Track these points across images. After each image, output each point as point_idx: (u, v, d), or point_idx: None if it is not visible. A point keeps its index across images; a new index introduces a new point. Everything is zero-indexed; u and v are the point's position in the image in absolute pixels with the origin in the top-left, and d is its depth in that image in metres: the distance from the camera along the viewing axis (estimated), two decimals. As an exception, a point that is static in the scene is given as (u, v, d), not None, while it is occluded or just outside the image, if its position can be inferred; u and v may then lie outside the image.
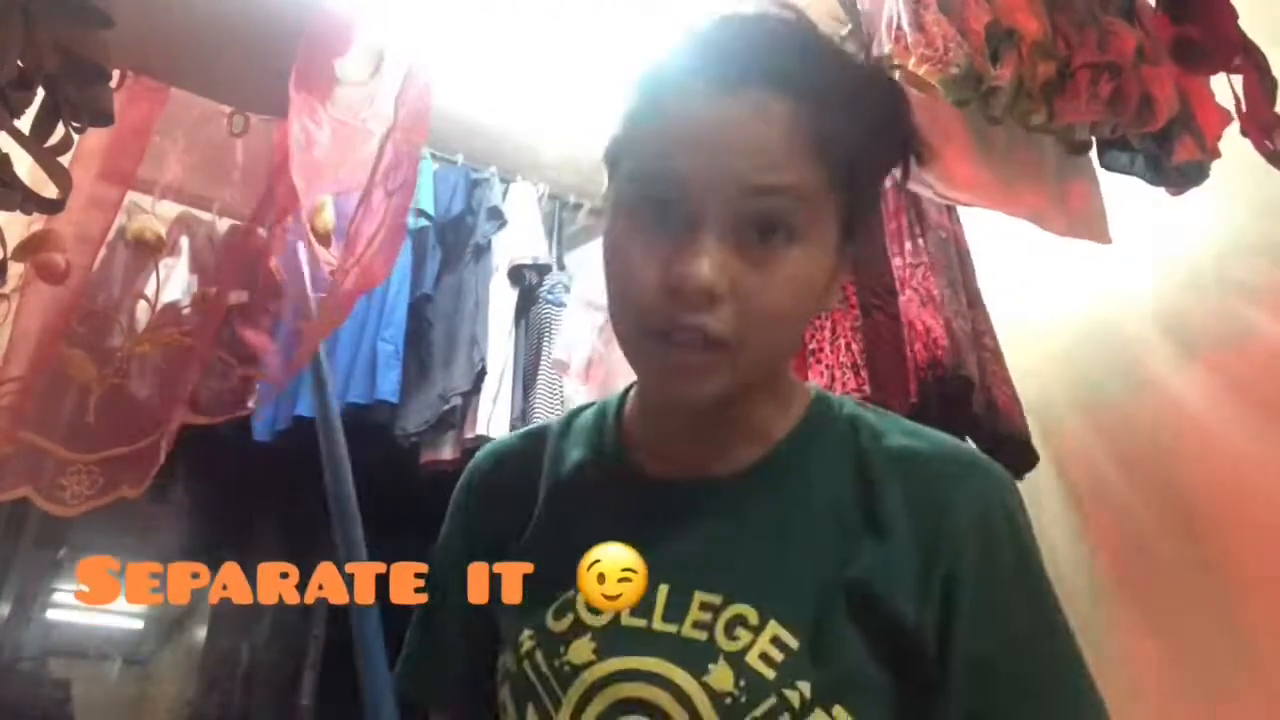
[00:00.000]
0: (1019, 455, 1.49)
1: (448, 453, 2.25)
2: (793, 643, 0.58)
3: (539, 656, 0.65)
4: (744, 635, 0.59)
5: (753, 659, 0.58)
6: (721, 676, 0.58)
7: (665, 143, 0.60)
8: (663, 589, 0.63)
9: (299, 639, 2.73)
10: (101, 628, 2.66)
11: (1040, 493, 1.67)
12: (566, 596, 0.66)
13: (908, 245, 1.45)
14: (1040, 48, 1.14)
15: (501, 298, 2.36)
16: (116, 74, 1.55)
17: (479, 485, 0.80)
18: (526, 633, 0.67)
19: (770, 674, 0.58)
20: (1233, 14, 1.23)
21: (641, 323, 0.60)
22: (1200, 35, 1.21)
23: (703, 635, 0.61)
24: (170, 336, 1.68)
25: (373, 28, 1.66)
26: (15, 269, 1.36)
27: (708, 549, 0.64)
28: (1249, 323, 1.52)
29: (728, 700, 0.58)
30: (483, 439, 2.20)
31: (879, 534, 0.61)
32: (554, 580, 0.67)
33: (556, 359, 2.18)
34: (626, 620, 0.63)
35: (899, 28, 1.17)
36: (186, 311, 1.73)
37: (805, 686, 0.57)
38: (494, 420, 2.23)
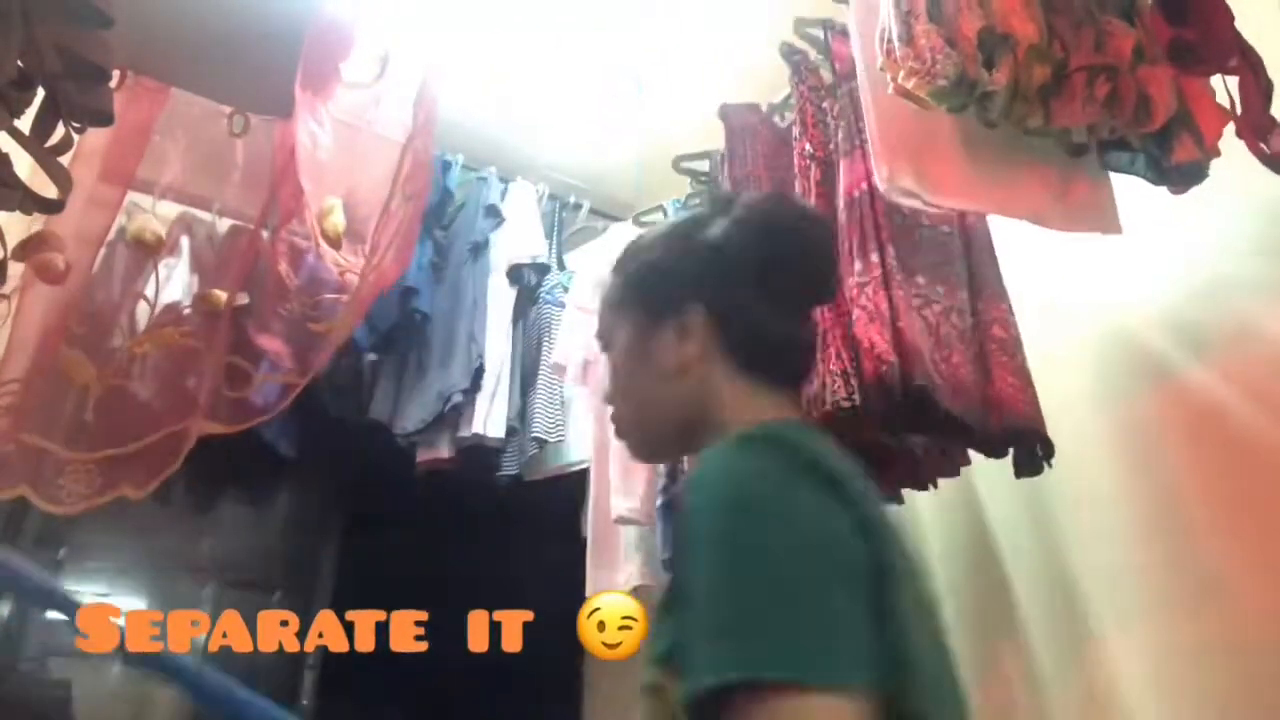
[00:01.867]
0: (1027, 446, 1.48)
1: (444, 451, 2.24)
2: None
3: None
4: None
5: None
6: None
7: None
8: None
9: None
10: (101, 628, 2.65)
11: (1047, 491, 1.66)
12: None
13: (857, 265, 1.46)
14: (1036, 51, 1.14)
15: (500, 297, 2.35)
16: (116, 74, 1.55)
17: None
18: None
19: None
20: (1229, 15, 1.23)
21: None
22: (1196, 37, 1.21)
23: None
24: (170, 336, 1.68)
25: (376, 30, 1.67)
26: (15, 269, 1.36)
27: None
28: (1257, 322, 1.52)
29: None
30: (479, 437, 2.20)
31: None
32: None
33: (554, 362, 2.18)
34: None
35: (890, 40, 1.17)
36: (187, 312, 1.73)
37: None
38: (491, 419, 2.22)
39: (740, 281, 0.87)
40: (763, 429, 0.76)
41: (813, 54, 1.75)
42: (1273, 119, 1.26)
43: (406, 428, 2.23)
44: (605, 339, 0.92)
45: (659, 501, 1.86)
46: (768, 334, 0.86)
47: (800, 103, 1.68)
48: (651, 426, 0.89)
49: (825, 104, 1.67)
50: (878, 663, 0.60)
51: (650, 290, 0.89)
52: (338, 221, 1.65)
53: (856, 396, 1.36)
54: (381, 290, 1.65)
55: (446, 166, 2.38)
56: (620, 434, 0.91)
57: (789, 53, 1.75)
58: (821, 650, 0.58)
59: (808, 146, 1.63)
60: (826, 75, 1.72)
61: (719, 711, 0.56)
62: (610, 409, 0.91)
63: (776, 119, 1.86)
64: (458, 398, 2.17)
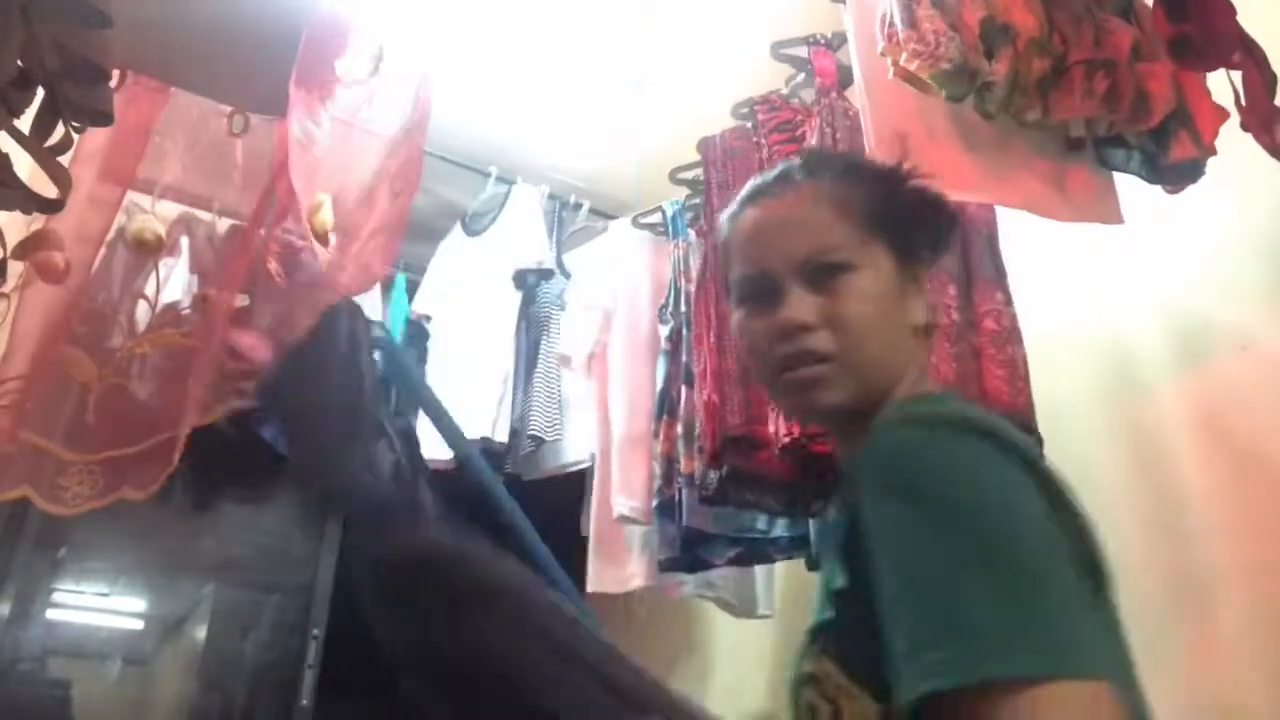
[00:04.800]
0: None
1: (447, 454, 2.25)
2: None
3: None
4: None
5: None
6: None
7: (745, 251, 0.85)
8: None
9: (299, 639, 2.73)
10: (101, 628, 2.66)
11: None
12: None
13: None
14: (1036, 44, 1.14)
15: (504, 301, 2.36)
16: (116, 74, 1.55)
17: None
18: None
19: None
20: (1231, 10, 1.23)
21: (770, 366, 0.81)
22: (1198, 33, 1.21)
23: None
24: (170, 337, 1.68)
25: (372, 28, 1.66)
26: (15, 268, 1.36)
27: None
28: (1259, 323, 1.52)
29: None
30: (488, 441, 2.20)
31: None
32: None
33: (561, 354, 2.18)
34: None
35: (892, 23, 1.17)
36: (186, 312, 1.73)
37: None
38: (498, 423, 2.23)
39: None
40: (948, 406, 0.76)
41: (783, 87, 1.79)
42: (1278, 109, 1.26)
43: (432, 455, 2.25)
44: (844, 257, 0.80)
45: (655, 502, 1.86)
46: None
47: (770, 151, 1.70)
48: (869, 377, 0.79)
49: (800, 131, 1.68)
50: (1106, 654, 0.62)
51: (907, 238, 0.84)
52: (325, 218, 1.65)
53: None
54: (360, 289, 1.64)
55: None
56: (817, 374, 0.78)
57: (745, 112, 1.79)
58: (1075, 641, 0.56)
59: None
60: (799, 101, 1.75)
61: (969, 710, 0.53)
62: (806, 337, 0.78)
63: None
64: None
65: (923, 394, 0.81)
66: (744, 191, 0.89)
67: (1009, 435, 0.67)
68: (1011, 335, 1.50)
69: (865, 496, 0.65)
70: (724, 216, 0.91)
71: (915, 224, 0.85)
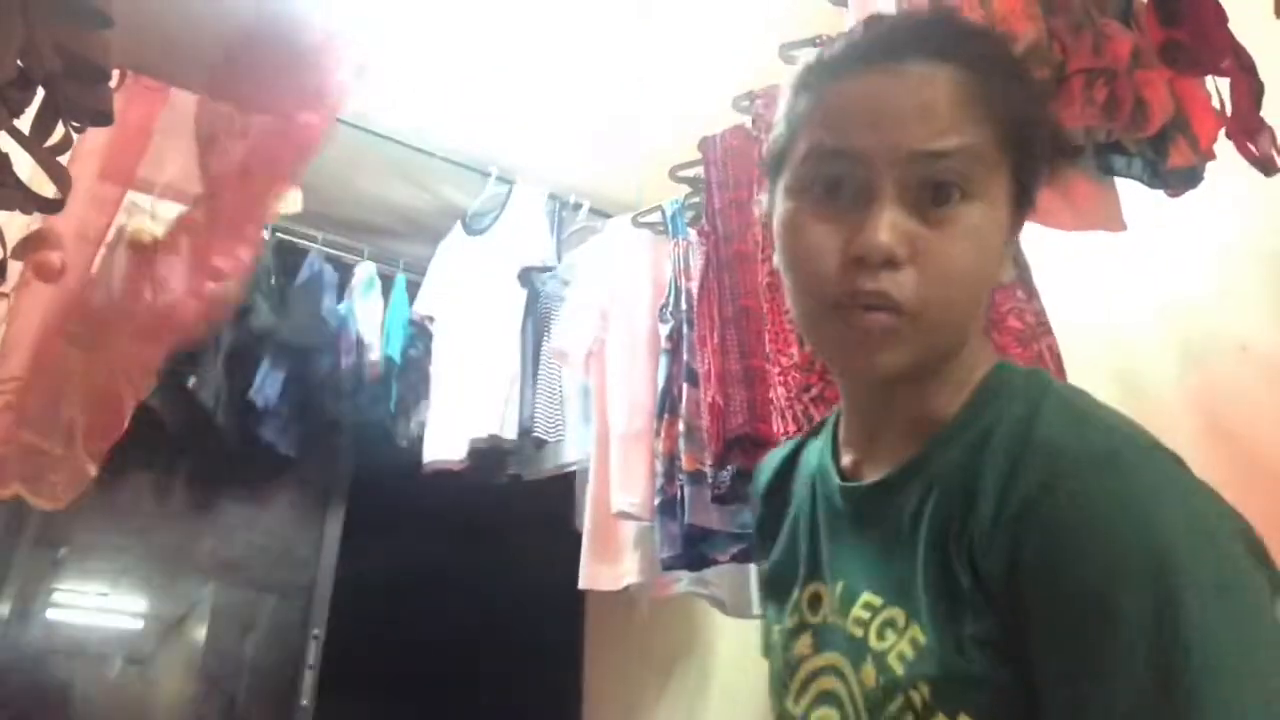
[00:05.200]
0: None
1: (455, 454, 2.26)
2: (923, 642, 0.57)
3: (781, 651, 0.72)
4: (890, 637, 0.60)
5: (892, 659, 0.59)
6: (868, 674, 0.60)
7: (834, 120, 0.62)
8: (839, 585, 0.67)
9: (299, 639, 2.73)
10: (101, 628, 2.66)
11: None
12: (792, 598, 0.72)
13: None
14: (1036, 53, 1.14)
15: (509, 301, 2.36)
16: (116, 74, 1.55)
17: (761, 483, 0.85)
18: (776, 628, 0.74)
19: (901, 672, 0.58)
20: (1222, 16, 1.23)
21: (826, 295, 0.60)
22: (1188, 38, 1.21)
23: (860, 632, 0.63)
24: (168, 338, 1.68)
25: (370, 27, 1.67)
26: (14, 267, 1.36)
27: (870, 552, 0.65)
28: (1260, 325, 1.52)
29: (872, 698, 0.60)
30: (495, 439, 2.20)
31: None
32: (788, 585, 0.73)
33: (557, 349, 2.18)
34: (829, 618, 0.67)
35: None
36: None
37: (925, 689, 0.55)
38: (506, 421, 2.23)
39: None
40: (1103, 409, 0.60)
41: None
42: (1262, 120, 1.26)
43: (439, 455, 2.26)
44: (971, 175, 0.59)
45: (657, 500, 1.86)
46: None
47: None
48: (938, 343, 0.61)
49: None
50: None
51: (1035, 167, 0.64)
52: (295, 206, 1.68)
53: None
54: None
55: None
56: (889, 327, 0.58)
57: (746, 105, 1.78)
58: None
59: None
60: None
61: None
62: (886, 276, 0.58)
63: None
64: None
65: (1015, 367, 0.65)
66: (846, 42, 0.65)
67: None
68: (1034, 331, 1.49)
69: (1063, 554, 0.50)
70: (800, 71, 0.67)
71: (1044, 135, 0.65)
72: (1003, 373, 0.64)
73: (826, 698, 0.65)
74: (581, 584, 2.04)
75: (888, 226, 0.58)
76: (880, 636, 0.61)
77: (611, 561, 2.02)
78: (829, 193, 0.61)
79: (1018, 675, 0.52)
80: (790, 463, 0.82)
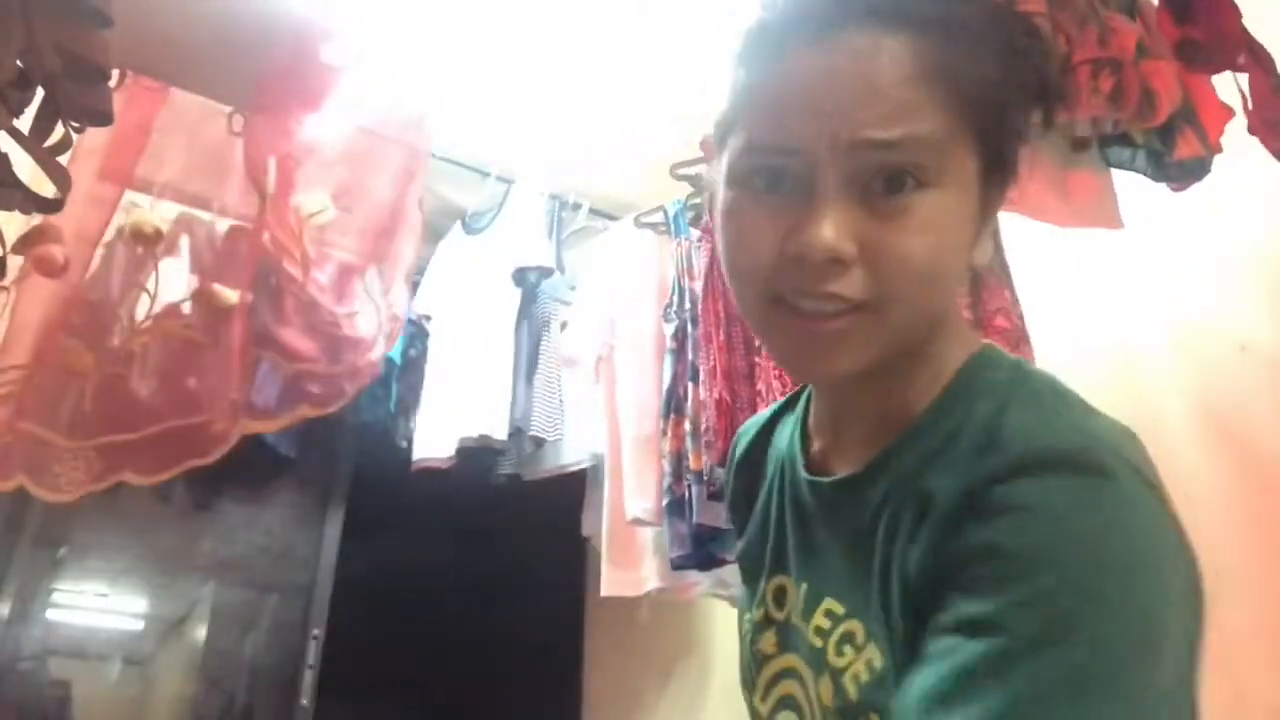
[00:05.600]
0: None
1: (443, 453, 2.25)
2: (879, 665, 0.54)
3: (748, 643, 0.70)
4: (848, 654, 0.57)
5: (847, 680, 0.56)
6: (825, 691, 0.58)
7: (769, 107, 0.55)
8: (803, 586, 0.63)
9: (299, 639, 2.73)
10: (101, 628, 2.66)
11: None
12: (759, 587, 0.69)
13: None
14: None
15: (504, 300, 2.36)
16: (116, 74, 1.55)
17: (736, 454, 0.81)
18: (746, 617, 0.72)
19: (854, 697, 0.55)
20: (1236, 13, 1.23)
21: (766, 293, 0.56)
22: (1203, 35, 1.21)
23: (820, 643, 0.59)
24: (170, 328, 1.68)
25: (369, 26, 1.67)
26: (15, 262, 1.36)
27: (832, 554, 0.61)
28: (1260, 325, 1.52)
29: (829, 716, 0.58)
30: (485, 439, 2.20)
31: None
32: (756, 571, 0.71)
33: (567, 356, 2.18)
34: (792, 618, 0.65)
35: None
36: (186, 308, 1.73)
37: (875, 717, 0.53)
38: (499, 421, 2.22)
39: None
40: (1083, 412, 0.55)
41: None
42: (1284, 113, 1.26)
43: (427, 453, 2.25)
44: (924, 160, 0.53)
45: (665, 500, 1.86)
46: None
47: None
48: (903, 339, 0.56)
49: None
50: None
51: (1009, 136, 0.57)
52: (326, 218, 1.67)
53: None
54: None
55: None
56: (840, 330, 0.54)
57: None
58: None
59: None
60: None
61: None
62: (835, 277, 0.53)
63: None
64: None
65: (996, 357, 0.60)
66: (778, 10, 0.58)
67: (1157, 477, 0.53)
68: (1021, 334, 1.50)
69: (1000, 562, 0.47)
70: (736, 48, 0.61)
71: (1019, 102, 0.57)
72: (980, 364, 0.59)
73: (789, 702, 0.63)
74: (603, 592, 2.03)
75: (831, 224, 0.52)
76: (839, 652, 0.57)
77: (631, 568, 2.02)
78: (770, 187, 0.56)
79: None
80: (766, 434, 0.77)
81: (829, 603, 0.60)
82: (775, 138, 0.55)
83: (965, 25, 0.55)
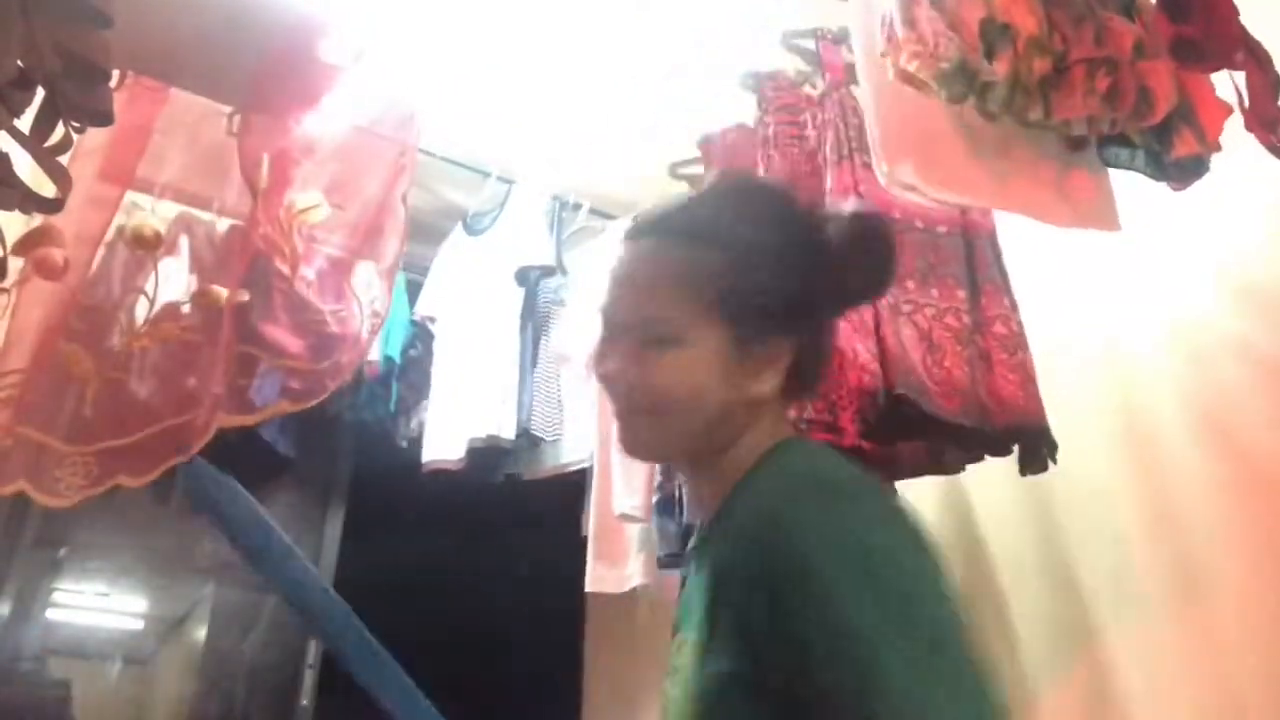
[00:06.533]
0: (1030, 443, 1.47)
1: (453, 454, 2.25)
2: (694, 660, 0.74)
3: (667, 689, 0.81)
4: (685, 655, 0.76)
5: (679, 679, 0.76)
6: (678, 694, 0.75)
7: (607, 283, 0.86)
8: (683, 629, 0.80)
9: (299, 639, 2.73)
10: (101, 628, 2.66)
11: (1048, 490, 1.66)
12: (675, 639, 0.83)
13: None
14: (1036, 43, 1.13)
15: (506, 300, 2.36)
16: (116, 74, 1.55)
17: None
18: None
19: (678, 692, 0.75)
20: (1232, 10, 1.23)
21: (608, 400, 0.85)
22: (1199, 34, 1.20)
23: (680, 661, 0.77)
24: (169, 331, 1.68)
25: (367, 26, 1.67)
26: (15, 264, 1.36)
27: (693, 595, 0.80)
28: (1261, 325, 1.52)
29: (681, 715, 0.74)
30: (492, 439, 2.20)
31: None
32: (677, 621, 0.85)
33: (560, 353, 2.18)
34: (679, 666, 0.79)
35: (891, 25, 1.17)
36: (186, 309, 1.73)
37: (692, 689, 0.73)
38: (504, 420, 2.23)
39: (833, 313, 0.90)
40: (821, 462, 0.81)
41: (792, 70, 1.77)
42: (1280, 110, 1.25)
43: (438, 455, 2.25)
44: (667, 331, 0.80)
45: (655, 498, 1.86)
46: (828, 361, 0.89)
47: (775, 129, 1.68)
48: (690, 445, 0.82)
49: (804, 118, 1.67)
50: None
51: (751, 316, 0.80)
52: (318, 215, 1.67)
53: (833, 413, 1.36)
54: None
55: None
56: (633, 429, 0.83)
57: (753, 83, 1.77)
58: (980, 702, 0.62)
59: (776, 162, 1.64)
60: (810, 88, 1.74)
61: None
62: (625, 392, 0.82)
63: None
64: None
65: (782, 443, 0.82)
66: (631, 221, 0.90)
67: (886, 492, 0.76)
68: (1020, 341, 1.50)
69: (754, 568, 0.69)
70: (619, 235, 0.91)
71: (771, 306, 0.81)
72: (774, 451, 0.81)
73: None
74: (588, 587, 2.04)
75: (614, 360, 0.82)
76: (681, 657, 0.78)
77: (617, 564, 2.02)
78: (608, 331, 0.85)
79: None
80: None
81: (685, 634, 0.78)
82: (605, 306, 0.86)
83: (714, 232, 0.82)
